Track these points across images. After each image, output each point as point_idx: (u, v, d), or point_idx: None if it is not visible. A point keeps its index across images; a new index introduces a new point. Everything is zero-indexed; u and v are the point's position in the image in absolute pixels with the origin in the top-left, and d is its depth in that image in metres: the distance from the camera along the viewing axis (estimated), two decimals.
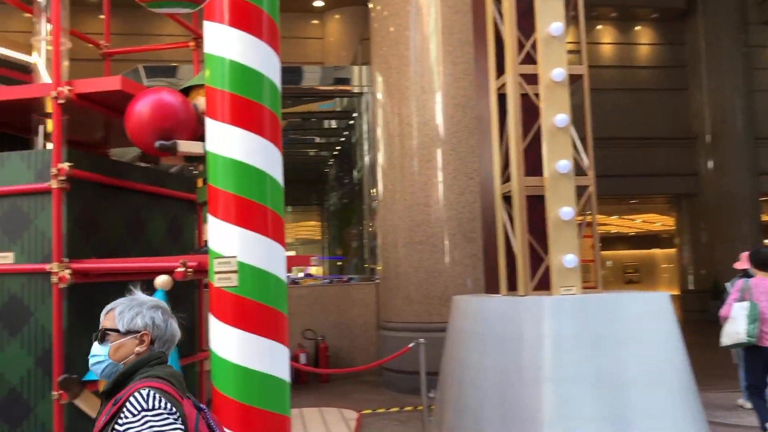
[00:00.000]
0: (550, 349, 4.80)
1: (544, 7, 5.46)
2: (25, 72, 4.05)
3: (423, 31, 7.50)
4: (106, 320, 2.01)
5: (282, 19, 3.13)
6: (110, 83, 3.31)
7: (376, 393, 7.47)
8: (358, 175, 9.73)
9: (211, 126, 2.96)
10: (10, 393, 3.30)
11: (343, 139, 12.29)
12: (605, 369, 4.78)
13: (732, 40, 17.29)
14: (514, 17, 5.54)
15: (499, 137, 5.80)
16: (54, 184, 3.21)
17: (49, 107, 3.65)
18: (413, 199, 7.37)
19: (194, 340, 4.12)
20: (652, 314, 5.06)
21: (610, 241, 35.35)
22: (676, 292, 17.47)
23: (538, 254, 5.42)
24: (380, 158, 7.90)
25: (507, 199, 5.68)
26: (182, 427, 1.73)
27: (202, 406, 1.93)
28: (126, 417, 1.73)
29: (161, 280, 3.00)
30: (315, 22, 17.05)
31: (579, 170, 5.50)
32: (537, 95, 5.51)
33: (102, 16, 4.96)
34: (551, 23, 5.41)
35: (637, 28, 18.06)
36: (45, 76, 3.61)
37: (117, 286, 3.52)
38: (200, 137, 3.22)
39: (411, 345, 5.27)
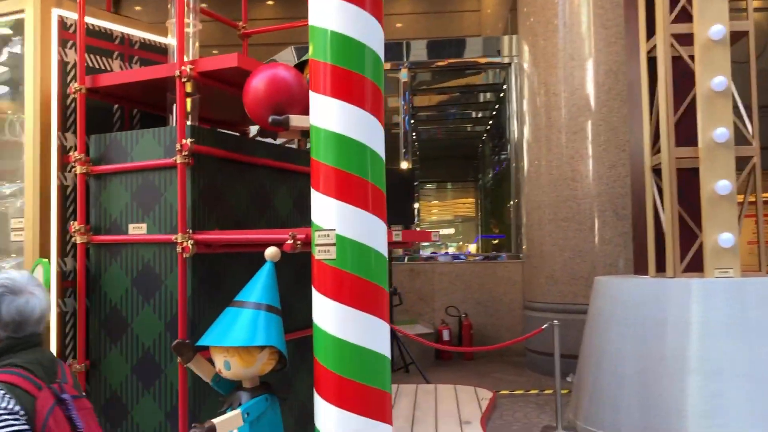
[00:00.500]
0: (698, 337, 4.37)
1: None
2: (165, 54, 4.32)
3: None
4: None
5: None
6: (228, 61, 3.42)
7: (518, 374, 7.27)
8: (509, 150, 9.44)
9: (314, 99, 2.96)
10: (144, 354, 3.57)
11: (494, 112, 12.00)
12: (763, 362, 4.26)
13: None
14: None
15: (650, 105, 5.33)
16: (178, 159, 3.40)
17: (189, 87, 3.89)
18: (559, 173, 7.01)
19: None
20: None
21: None
22: None
23: (691, 233, 4.93)
24: (526, 131, 7.59)
25: (657, 172, 5.22)
26: (23, 427, 1.63)
27: (65, 396, 1.80)
28: None
29: (270, 252, 3.06)
30: None
31: (740, 140, 4.90)
32: (692, 57, 4.97)
33: (269, 2, 5.15)
34: None
35: None
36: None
37: (238, 257, 3.70)
38: None
39: (544, 326, 5.03)
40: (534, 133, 7.36)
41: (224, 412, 2.86)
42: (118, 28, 4.18)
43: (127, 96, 4.05)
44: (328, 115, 2.91)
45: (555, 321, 4.93)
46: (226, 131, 4.59)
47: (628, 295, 4.85)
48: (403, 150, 9.56)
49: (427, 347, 7.71)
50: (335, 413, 2.83)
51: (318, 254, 2.89)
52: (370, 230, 2.90)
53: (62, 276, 3.81)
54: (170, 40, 3.95)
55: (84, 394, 2.01)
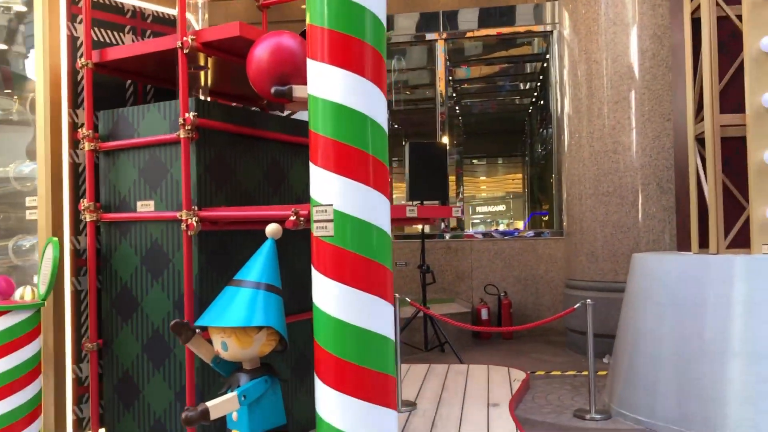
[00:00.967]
0: (741, 318, 4.07)
1: None
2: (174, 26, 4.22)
3: None
4: None
5: None
6: (229, 30, 3.29)
7: (558, 354, 7.03)
8: (552, 123, 9.10)
9: (311, 67, 2.80)
10: (154, 334, 3.52)
11: (539, 84, 11.60)
12: None
13: None
14: None
15: (693, 70, 4.98)
16: (182, 134, 3.30)
17: (201, 60, 3.78)
18: (600, 145, 6.68)
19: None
20: None
21: None
22: None
23: (737, 206, 4.60)
24: (566, 102, 7.26)
25: (702, 142, 4.88)
26: None
27: None
28: None
29: (271, 229, 2.94)
30: None
31: None
32: (739, 17, 4.60)
33: None
34: None
35: None
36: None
37: (249, 234, 3.59)
38: None
39: (577, 305, 4.79)
40: (574, 103, 7.03)
41: (224, 394, 2.78)
42: (129, 1, 4.09)
43: (138, 71, 3.97)
44: (326, 83, 2.75)
45: (588, 300, 4.68)
46: (240, 105, 4.48)
47: (666, 272, 4.56)
48: (440, 123, 9.31)
49: (465, 323, 7.54)
50: (335, 397, 2.70)
51: (316, 231, 2.75)
52: (371, 205, 2.74)
53: (76, 254, 3.79)
54: (175, 12, 3.84)
55: None
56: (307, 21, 2.83)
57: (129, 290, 3.60)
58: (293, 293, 3.75)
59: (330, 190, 2.72)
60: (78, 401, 3.76)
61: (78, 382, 3.75)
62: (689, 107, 5.01)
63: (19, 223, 4.46)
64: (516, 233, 9.02)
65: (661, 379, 4.37)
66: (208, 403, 2.64)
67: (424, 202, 6.66)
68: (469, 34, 9.34)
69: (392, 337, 2.79)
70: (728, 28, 4.70)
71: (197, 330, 2.89)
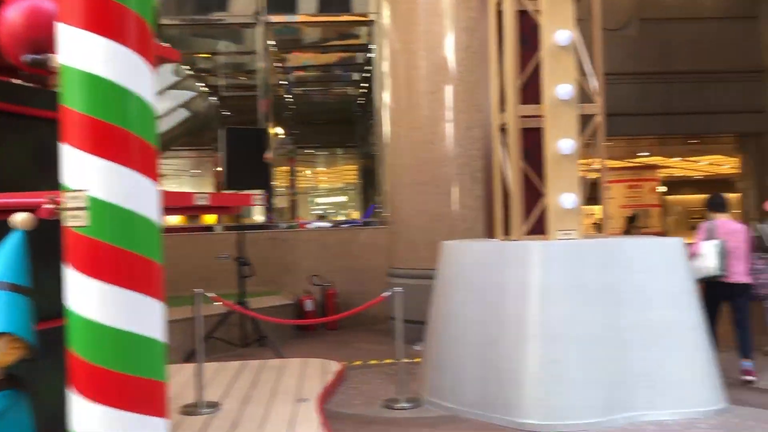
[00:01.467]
0: (537, 301, 4.21)
1: None
2: None
3: None
4: None
5: None
6: None
7: (381, 343, 7.04)
8: (376, 113, 9.11)
9: (62, 31, 2.43)
10: None
11: (366, 74, 11.64)
12: (601, 326, 4.17)
13: None
14: None
15: (498, 61, 5.10)
16: None
17: None
18: (418, 135, 6.74)
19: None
20: (660, 263, 4.38)
21: (675, 185, 33.65)
22: None
23: (538, 194, 4.77)
24: (387, 93, 7.26)
25: (505, 132, 5.01)
26: None
27: None
28: None
29: (17, 219, 2.54)
30: None
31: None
32: (539, 12, 4.76)
33: None
34: None
35: None
36: None
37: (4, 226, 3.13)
38: None
39: (385, 294, 4.76)
40: (395, 94, 7.05)
41: None
42: None
43: None
44: (79, 51, 2.40)
45: (397, 288, 4.66)
46: None
47: (470, 259, 4.65)
48: (265, 110, 9.01)
49: (287, 316, 7.34)
50: (92, 410, 2.37)
51: (68, 221, 2.40)
52: (134, 192, 2.43)
53: None
54: None
55: None
56: None
57: None
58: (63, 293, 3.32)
59: (84, 174, 2.38)
60: None
61: None
62: (494, 98, 5.14)
63: None
64: (350, 224, 8.97)
65: (466, 365, 4.43)
66: None
67: (247, 191, 6.37)
68: (297, 19, 9.10)
69: (160, 339, 2.51)
70: (530, 22, 4.85)
71: None
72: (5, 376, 2.47)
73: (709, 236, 5.54)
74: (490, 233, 5.95)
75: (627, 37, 16.01)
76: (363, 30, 9.72)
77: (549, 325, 4.16)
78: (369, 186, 14.52)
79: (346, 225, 8.80)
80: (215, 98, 10.79)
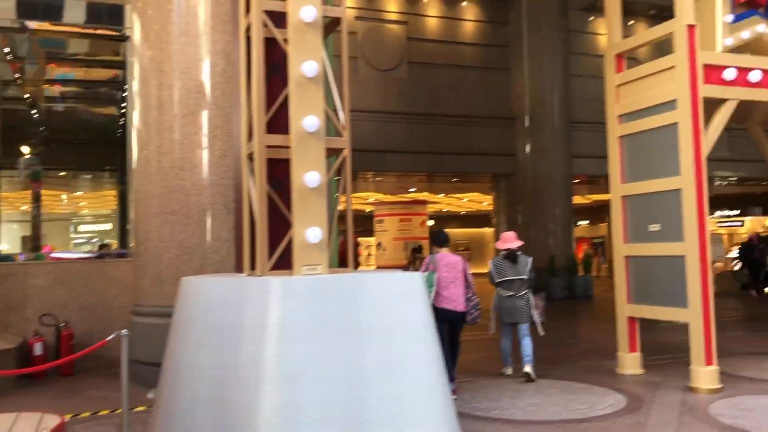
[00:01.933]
0: (274, 341, 3.96)
1: None
2: None
3: None
4: None
5: None
6: None
7: (119, 389, 6.32)
8: (127, 135, 8.43)
9: None
10: None
11: (126, 93, 10.83)
12: (341, 363, 4.03)
13: (552, 25, 17.56)
14: None
15: (247, 88, 4.86)
16: None
17: None
18: (168, 161, 6.26)
19: None
20: (399, 298, 4.37)
21: (443, 219, 36.10)
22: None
23: (288, 226, 4.57)
24: (137, 114, 6.69)
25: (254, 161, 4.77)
26: None
27: None
28: None
29: None
30: None
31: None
32: (287, 41, 4.61)
33: None
34: None
35: (463, 3, 17.85)
36: None
37: None
38: None
39: (109, 338, 4.24)
40: (144, 115, 6.51)
41: None
42: None
43: None
44: None
45: (123, 331, 4.16)
46: None
47: (208, 297, 4.30)
48: None
49: (7, 363, 6.36)
50: None
51: None
52: None
53: None
54: None
55: None
56: None
57: None
58: None
59: None
60: None
61: None
62: (243, 126, 4.89)
63: None
64: (99, 255, 8.10)
65: (199, 410, 4.04)
66: None
67: None
68: (34, 26, 8.15)
69: None
70: (282, 50, 4.69)
71: None
72: None
73: (430, 268, 6.15)
74: (237, 267, 5.64)
75: (398, 78, 16.88)
76: (112, 45, 9.01)
77: (287, 365, 3.94)
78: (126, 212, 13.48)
79: (91, 256, 7.94)
80: None
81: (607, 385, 6.18)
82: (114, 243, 18.17)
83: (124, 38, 8.18)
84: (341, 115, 4.80)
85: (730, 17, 6.24)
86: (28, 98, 11.27)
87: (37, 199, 11.41)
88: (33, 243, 10.76)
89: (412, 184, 22.17)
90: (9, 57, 8.10)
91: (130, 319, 7.17)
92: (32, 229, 11.15)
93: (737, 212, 32.63)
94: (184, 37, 6.29)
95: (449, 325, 6.17)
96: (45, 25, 8.05)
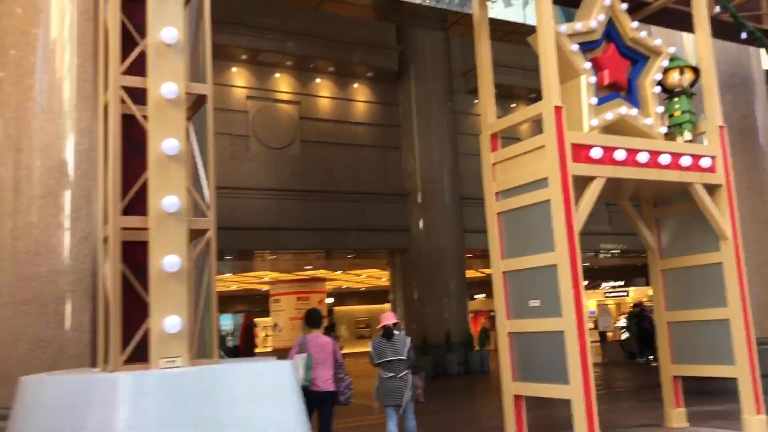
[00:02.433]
0: None
1: (158, 9, 4.41)
2: None
3: (50, 38, 6.07)
4: None
5: None
6: None
7: None
8: None
9: None
10: None
11: None
12: None
13: (440, 106, 18.22)
14: (118, 13, 4.41)
15: (105, 167, 4.56)
16: None
17: None
18: (23, 245, 5.75)
19: None
20: (267, 391, 4.08)
21: (343, 296, 35.75)
22: None
23: (145, 316, 4.21)
24: None
25: None
26: None
27: None
28: None
29: None
30: None
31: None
32: (146, 118, 4.38)
33: None
34: (164, 28, 4.36)
35: (355, 85, 18.25)
36: None
37: None
38: None
39: None
40: None
41: None
42: None
43: None
44: None
45: None
46: None
47: (46, 399, 3.84)
48: None
49: None
50: None
51: None
52: None
53: None
54: None
55: None
56: None
57: None
58: None
59: None
60: None
61: None
62: (100, 207, 4.56)
63: None
64: None
65: None
66: None
67: None
68: None
69: None
70: (132, 125, 4.44)
71: None
72: None
73: (301, 350, 6.29)
74: (93, 361, 5.17)
75: (291, 156, 16.83)
76: None
77: None
78: None
79: None
80: None
81: None
82: None
83: None
84: (206, 194, 4.57)
85: (595, 99, 6.55)
86: None
87: None
88: None
89: (309, 261, 21.87)
90: None
91: None
92: None
93: (622, 283, 34.34)
94: (45, 114, 5.93)
95: (318, 408, 6.34)
96: None
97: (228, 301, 34.27)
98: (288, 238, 16.70)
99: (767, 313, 10.21)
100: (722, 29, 8.35)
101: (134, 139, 4.61)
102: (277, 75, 16.95)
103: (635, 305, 22.15)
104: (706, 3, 7.49)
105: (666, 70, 7.17)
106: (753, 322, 9.89)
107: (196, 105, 4.81)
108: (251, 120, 16.26)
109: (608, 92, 6.80)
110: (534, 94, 19.46)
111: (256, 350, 22.59)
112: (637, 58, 7.05)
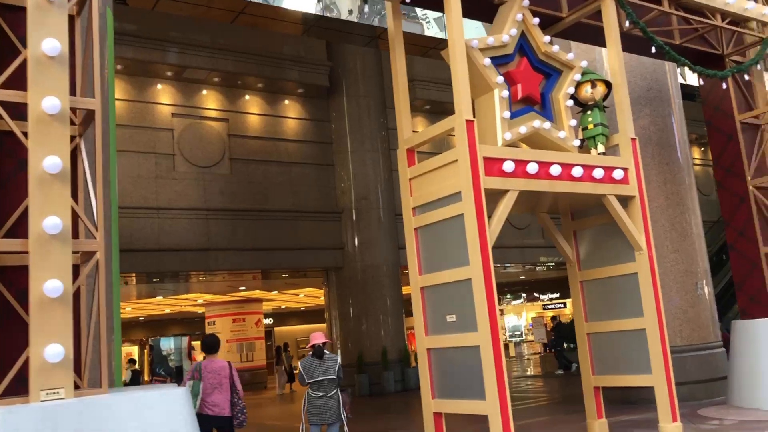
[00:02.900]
0: None
1: (39, 19, 4.17)
2: None
3: None
4: None
5: None
6: None
7: None
8: None
9: None
10: None
11: None
12: None
13: (373, 122, 18.20)
14: None
15: None
16: None
17: None
18: None
19: None
20: (156, 421, 3.85)
21: (282, 316, 35.24)
22: None
23: (22, 344, 3.93)
24: None
25: None
26: None
27: None
28: None
29: None
30: None
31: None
32: (26, 135, 4.12)
33: None
34: (45, 39, 4.12)
35: (286, 102, 18.06)
36: None
37: None
38: None
39: None
40: None
41: None
42: None
43: None
44: None
45: None
46: None
47: None
48: None
49: None
50: None
51: None
52: None
53: None
54: None
55: None
56: None
57: None
58: None
59: None
60: None
61: None
62: None
63: None
64: None
65: None
66: None
67: None
68: None
69: None
70: (11, 143, 4.19)
71: None
72: None
73: (196, 376, 6.37)
74: None
75: (220, 175, 16.48)
76: None
77: None
78: None
79: None
80: None
81: None
82: None
83: None
84: (96, 214, 4.33)
85: (508, 113, 6.57)
86: None
87: None
88: None
89: (243, 282, 21.43)
90: None
91: None
92: None
93: (558, 295, 34.97)
94: None
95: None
96: None
97: (164, 325, 33.41)
98: (219, 259, 16.30)
99: (688, 321, 10.44)
100: (634, 44, 8.56)
101: (19, 157, 4.36)
102: (204, 92, 16.63)
103: (553, 318, 22.78)
104: (617, 18, 7.67)
105: (579, 84, 7.27)
106: (675, 330, 10.23)
107: (87, 120, 4.57)
108: (177, 138, 15.87)
109: (522, 106, 6.85)
110: None
111: None
112: (550, 72, 7.13)
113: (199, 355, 29.86)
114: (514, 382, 18.95)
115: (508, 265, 23.91)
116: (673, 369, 6.95)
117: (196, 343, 28.06)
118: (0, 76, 4.07)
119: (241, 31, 16.40)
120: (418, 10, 15.17)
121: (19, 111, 4.16)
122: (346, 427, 6.75)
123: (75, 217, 4.25)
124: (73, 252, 4.21)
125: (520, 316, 36.09)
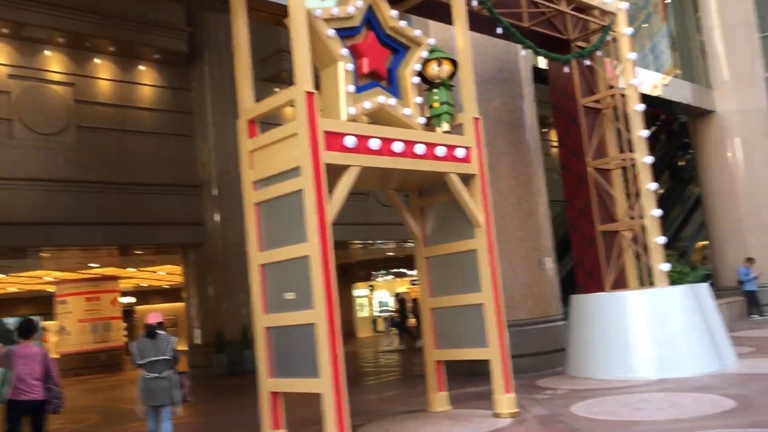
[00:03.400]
0: None
1: None
2: None
3: None
4: None
5: None
6: None
7: None
8: None
9: None
10: None
11: None
12: None
13: (235, 93, 17.52)
14: None
15: None
16: None
17: None
18: None
19: None
20: None
21: (145, 295, 33.73)
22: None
23: None
24: None
25: None
26: None
27: None
28: None
29: None
30: None
31: None
32: None
33: None
34: None
35: (141, 67, 17.02)
36: None
37: None
38: None
39: None
40: None
41: None
42: None
43: None
44: None
45: None
46: None
47: None
48: None
49: None
50: None
51: None
52: None
53: None
54: None
55: None
56: None
57: None
58: None
59: None
60: None
61: None
62: None
63: None
64: None
65: None
66: None
67: None
68: None
69: None
70: None
71: None
72: None
73: (5, 362, 6.06)
74: None
75: (65, 143, 15.27)
76: None
77: None
78: None
79: None
80: None
81: None
82: None
83: None
84: None
85: (353, 87, 6.44)
86: None
87: None
88: None
89: (96, 259, 20.19)
90: None
91: None
92: None
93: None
94: None
95: (33, 416, 6.30)
96: None
97: (10, 304, 30.99)
98: (63, 234, 15.18)
99: (532, 296, 10.90)
100: (483, 23, 8.68)
101: None
102: (47, 53, 15.30)
103: (396, 295, 23.58)
104: None
105: (426, 61, 7.26)
106: (519, 304, 10.65)
107: None
108: (15, 101, 14.52)
109: (368, 81, 6.74)
110: None
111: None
112: (397, 47, 7.06)
113: (53, 336, 28.06)
114: (373, 357, 19.20)
115: (380, 242, 24.15)
116: (518, 341, 7.19)
117: (49, 324, 26.38)
118: None
119: None
120: None
121: None
122: (179, 408, 6.47)
123: None
124: None
125: (392, 292, 36.71)
